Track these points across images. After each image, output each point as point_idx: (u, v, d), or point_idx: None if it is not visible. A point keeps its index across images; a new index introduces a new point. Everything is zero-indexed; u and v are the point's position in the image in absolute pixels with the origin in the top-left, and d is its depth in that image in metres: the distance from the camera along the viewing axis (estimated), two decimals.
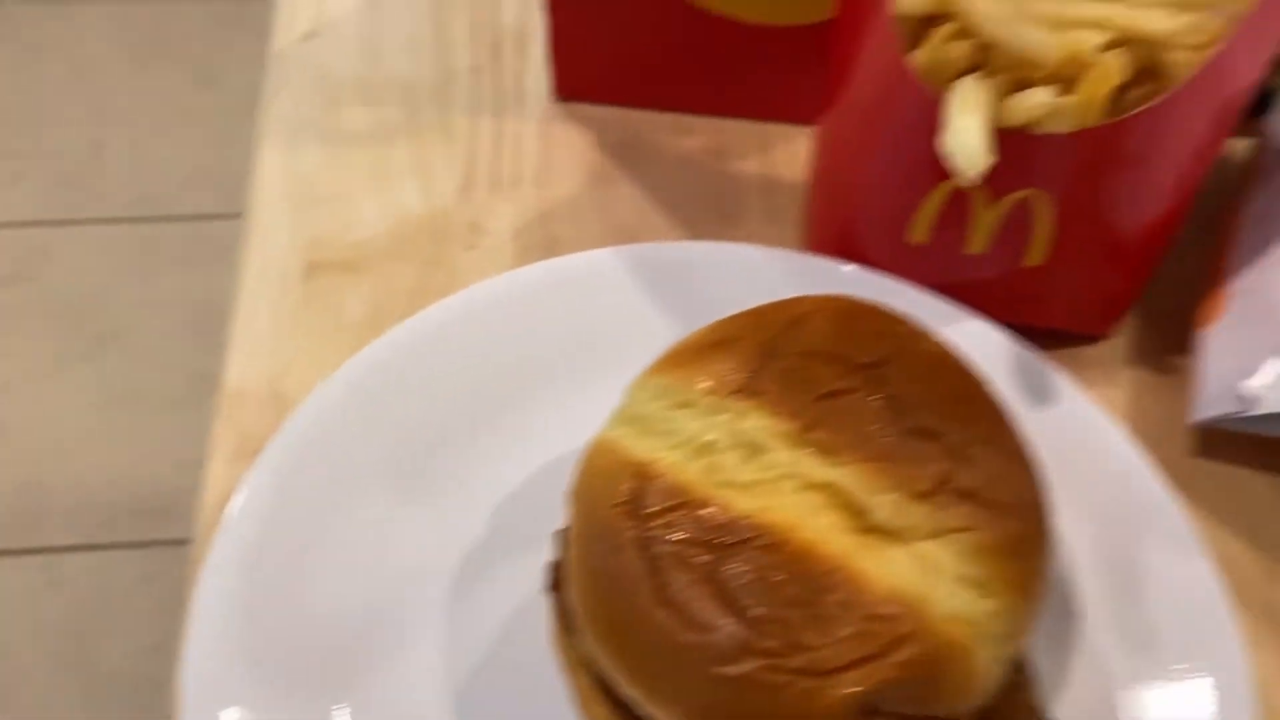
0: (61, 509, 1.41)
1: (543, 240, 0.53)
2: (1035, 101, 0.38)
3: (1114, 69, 0.38)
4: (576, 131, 0.57)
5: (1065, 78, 0.40)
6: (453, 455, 0.45)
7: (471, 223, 0.53)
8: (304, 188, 0.54)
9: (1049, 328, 0.49)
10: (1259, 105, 0.55)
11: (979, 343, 0.46)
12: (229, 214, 1.27)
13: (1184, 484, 0.46)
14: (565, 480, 0.39)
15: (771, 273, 0.48)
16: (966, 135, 0.36)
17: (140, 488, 1.47)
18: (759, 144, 0.57)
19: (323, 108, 0.57)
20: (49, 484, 1.39)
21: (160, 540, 1.43)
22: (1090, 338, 0.50)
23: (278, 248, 0.52)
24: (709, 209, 0.55)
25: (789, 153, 0.57)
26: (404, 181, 0.55)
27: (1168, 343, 0.50)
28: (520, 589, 0.42)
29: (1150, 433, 0.48)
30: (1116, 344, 0.50)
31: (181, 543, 1.42)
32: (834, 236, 0.50)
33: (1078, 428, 0.45)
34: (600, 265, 0.49)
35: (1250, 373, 0.44)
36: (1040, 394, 0.45)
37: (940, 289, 0.48)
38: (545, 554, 0.41)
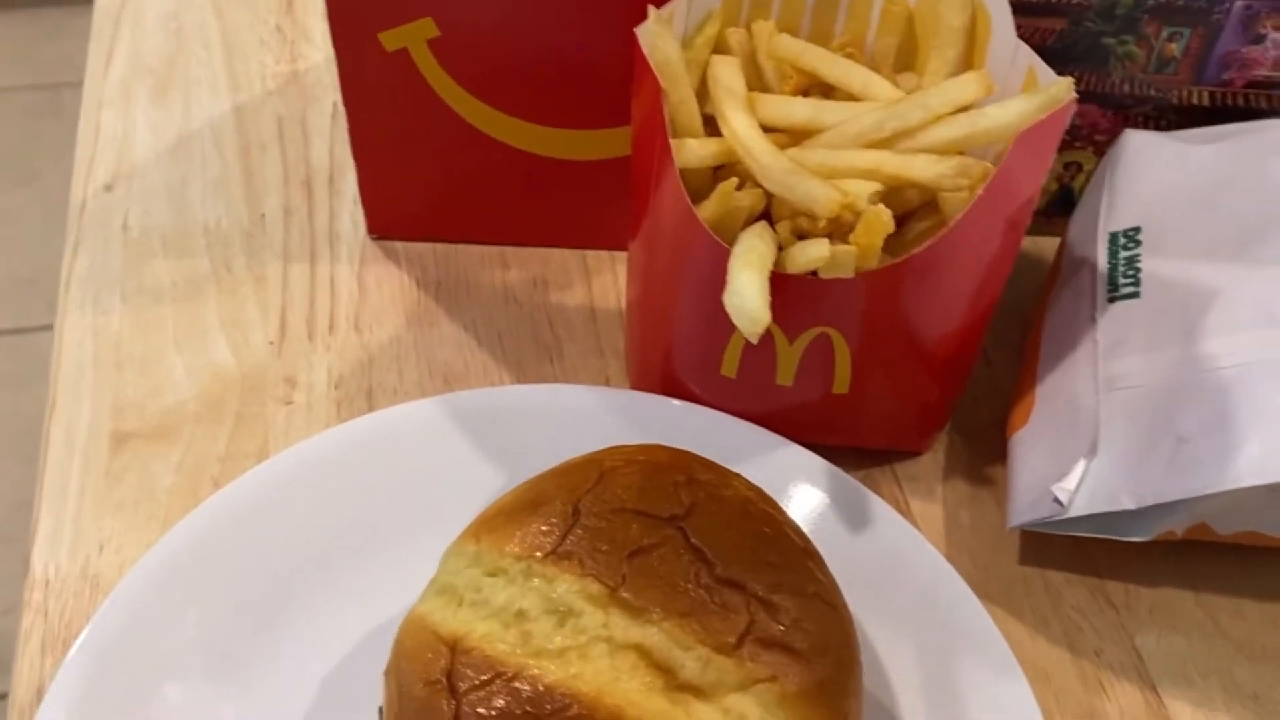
0: None
1: (362, 389, 0.56)
2: (814, 254, 0.43)
3: (884, 218, 0.43)
4: (394, 271, 0.60)
5: (843, 225, 0.45)
6: (272, 632, 0.47)
7: (287, 377, 0.56)
8: (109, 351, 0.56)
9: (867, 447, 0.54)
10: (1060, 203, 0.61)
11: (797, 470, 0.51)
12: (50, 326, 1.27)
13: (1004, 593, 0.51)
14: (386, 653, 0.42)
15: (597, 412, 0.52)
16: (747, 293, 0.41)
17: None
18: (580, 273, 0.61)
19: (127, 262, 0.60)
20: None
21: None
22: (910, 453, 0.55)
23: (83, 420, 0.54)
24: (532, 344, 0.58)
25: (610, 280, 0.61)
26: (215, 336, 0.57)
27: (984, 453, 0.55)
28: None
29: (968, 543, 0.52)
30: (936, 457, 0.56)
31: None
32: (655, 369, 0.55)
33: (893, 550, 0.49)
34: (421, 418, 0.52)
35: (1061, 475, 0.49)
36: (856, 517, 0.50)
37: (759, 419, 0.52)
38: None
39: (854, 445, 0.53)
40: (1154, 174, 0.55)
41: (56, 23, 2.01)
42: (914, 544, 0.49)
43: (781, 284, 0.44)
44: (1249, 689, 0.49)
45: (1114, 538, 0.49)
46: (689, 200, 0.45)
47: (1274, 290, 0.49)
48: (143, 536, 0.50)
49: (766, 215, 0.48)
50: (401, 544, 0.49)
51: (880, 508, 0.50)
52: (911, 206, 0.49)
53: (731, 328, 0.48)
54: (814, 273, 0.45)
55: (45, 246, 1.13)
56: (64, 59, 1.93)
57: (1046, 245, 0.61)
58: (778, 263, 0.45)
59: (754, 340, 0.41)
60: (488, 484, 0.51)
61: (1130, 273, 0.52)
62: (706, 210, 0.46)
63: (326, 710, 0.46)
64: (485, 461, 0.52)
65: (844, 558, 0.46)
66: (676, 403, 0.53)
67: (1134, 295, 0.52)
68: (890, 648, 0.47)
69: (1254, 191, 0.52)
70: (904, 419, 0.53)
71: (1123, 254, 0.53)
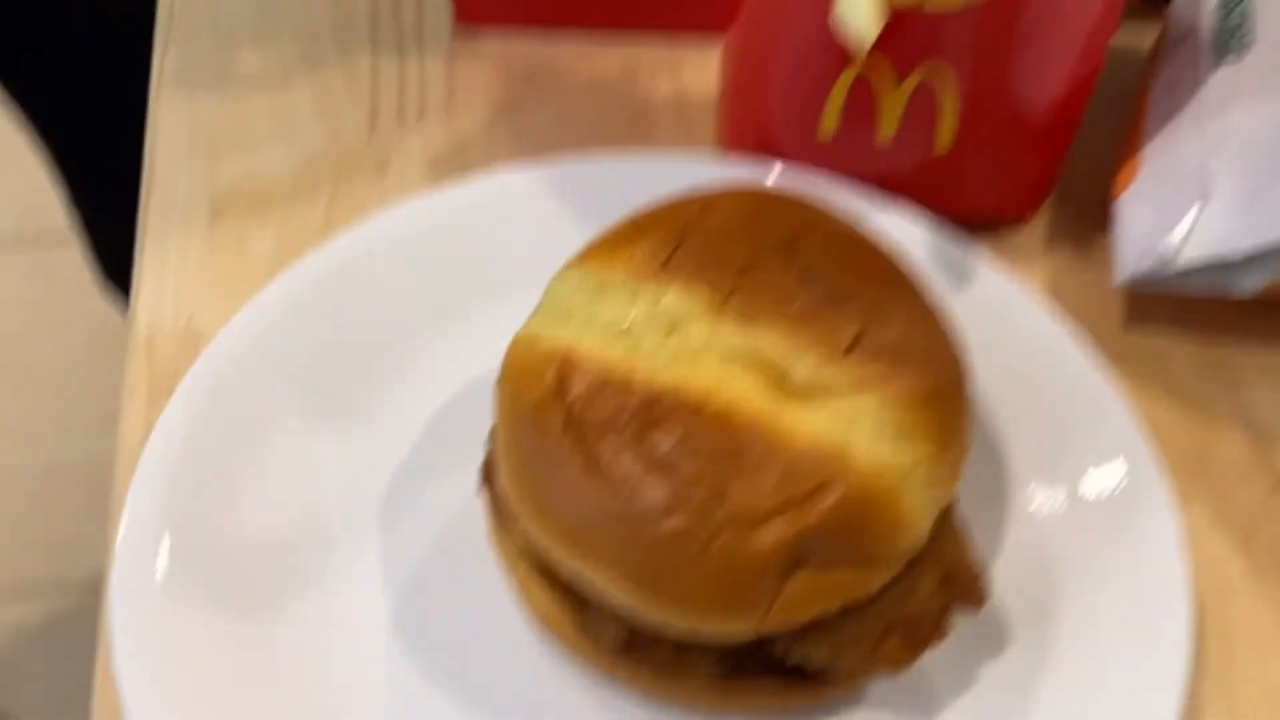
0: None
1: (455, 170, 0.56)
2: None
3: None
4: (483, 60, 0.60)
5: None
6: (376, 377, 0.48)
7: (379, 159, 0.56)
8: (204, 134, 0.57)
9: (967, 215, 0.53)
10: None
11: (898, 229, 0.50)
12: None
13: (1109, 357, 0.50)
14: (490, 390, 0.42)
15: (692, 177, 0.52)
16: (856, 4, 0.40)
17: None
18: (669, 65, 0.61)
19: (217, 55, 0.60)
20: None
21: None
22: (1009, 222, 0.54)
23: (179, 192, 0.54)
24: (622, 129, 0.58)
25: (700, 72, 0.60)
26: (307, 122, 0.58)
27: (1086, 224, 0.55)
28: (453, 497, 0.45)
29: (1072, 310, 0.52)
30: (1034, 229, 0.55)
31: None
32: (749, 142, 0.54)
33: (997, 304, 0.48)
34: (515, 184, 0.52)
35: (1170, 227, 0.48)
36: (959, 275, 0.49)
37: (860, 183, 0.52)
38: (474, 463, 0.44)
39: (951, 211, 0.52)
40: None
41: None
42: (1019, 296, 0.48)
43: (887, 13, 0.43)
44: None
45: (1221, 293, 0.48)
46: None
47: None
48: (243, 300, 0.50)
49: None
50: (496, 302, 0.49)
51: (983, 264, 0.49)
52: None
53: (834, 75, 0.48)
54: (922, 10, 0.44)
55: None
56: None
57: (1138, 38, 0.60)
58: None
59: (861, 51, 0.40)
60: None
61: (1240, 28, 0.51)
62: None
63: (433, 449, 0.46)
64: (581, 227, 0.51)
65: (953, 314, 0.45)
66: (780, 167, 0.52)
67: (1244, 49, 0.50)
68: (994, 395, 0.47)
69: None
70: (1007, 181, 0.52)
71: (1235, 9, 0.52)
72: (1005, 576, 0.43)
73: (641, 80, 0.60)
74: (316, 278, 0.49)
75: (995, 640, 0.42)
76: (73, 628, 1.37)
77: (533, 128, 0.58)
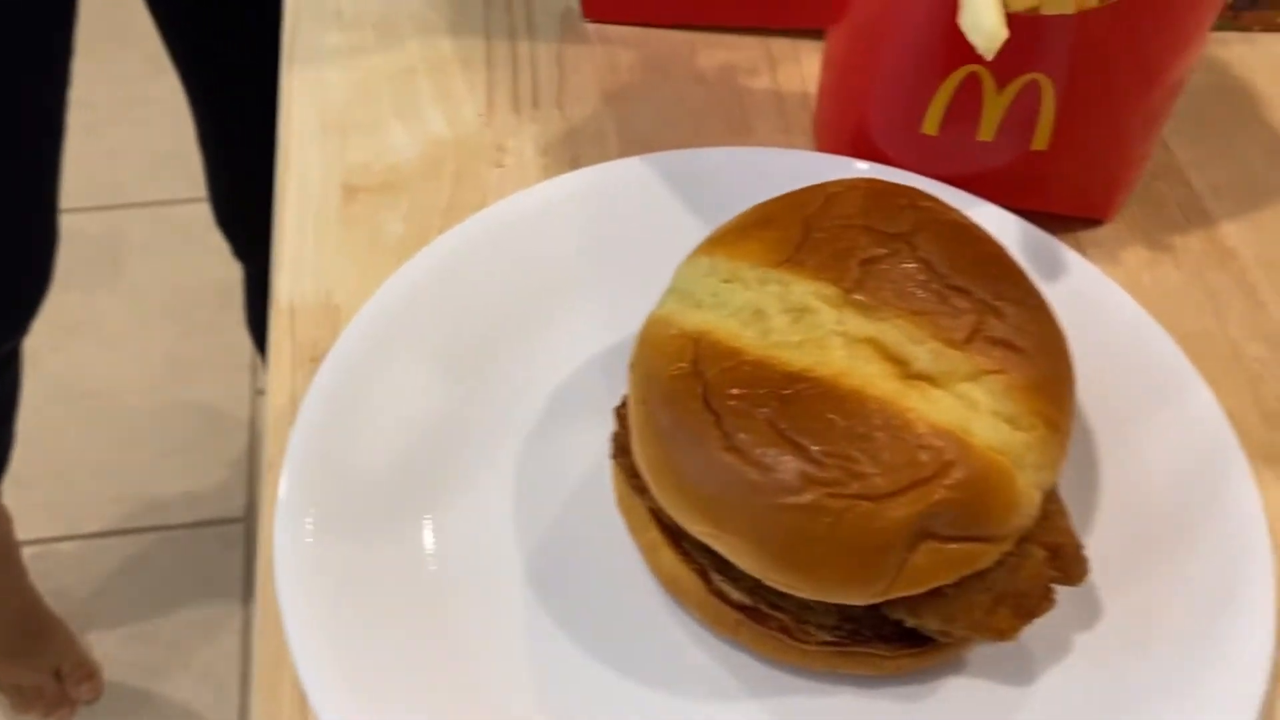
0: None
1: (567, 157, 0.57)
2: None
3: None
4: (591, 53, 0.61)
5: None
6: (506, 350, 0.49)
7: (497, 144, 0.58)
8: (332, 118, 0.58)
9: (1052, 213, 0.54)
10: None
11: (992, 225, 0.51)
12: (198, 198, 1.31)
13: (1185, 348, 0.51)
14: (611, 367, 0.44)
15: (792, 171, 0.53)
16: (983, 11, 0.41)
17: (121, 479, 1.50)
18: (768, 63, 0.62)
19: (343, 42, 0.61)
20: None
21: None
22: (1092, 221, 0.55)
23: (313, 173, 0.56)
24: (724, 123, 0.59)
25: (798, 70, 0.61)
26: (428, 109, 0.59)
27: (1164, 223, 0.56)
28: (579, 464, 0.46)
29: (1151, 303, 0.52)
30: (1117, 226, 0.56)
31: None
32: (846, 139, 0.55)
33: (1090, 295, 0.50)
34: (630, 172, 0.53)
35: None
36: (1053, 268, 0.50)
37: (949, 181, 0.53)
38: (601, 431, 0.46)
39: (1041, 209, 0.53)
40: None
41: None
42: (1111, 290, 0.50)
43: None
44: None
45: None
46: None
47: None
48: (378, 275, 0.51)
49: None
50: (613, 285, 0.51)
51: (1075, 259, 0.50)
52: None
53: (943, 74, 0.49)
54: (1031, 14, 0.45)
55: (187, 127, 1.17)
56: None
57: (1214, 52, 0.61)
58: None
59: (988, 55, 0.41)
60: (694, 234, 0.51)
61: None
62: None
63: (561, 417, 0.48)
64: (691, 215, 0.53)
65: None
66: (866, 165, 0.53)
67: None
68: (1088, 383, 0.48)
69: None
70: (1095, 181, 0.53)
71: None
72: (1097, 553, 0.45)
73: (741, 77, 0.61)
74: (452, 256, 0.50)
75: (1089, 613, 0.44)
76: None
77: (639, 119, 0.59)
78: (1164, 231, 0.56)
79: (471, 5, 0.63)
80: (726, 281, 0.42)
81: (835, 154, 0.55)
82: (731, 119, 0.60)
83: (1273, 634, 0.42)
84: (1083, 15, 0.45)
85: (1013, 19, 0.45)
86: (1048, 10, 0.45)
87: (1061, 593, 0.42)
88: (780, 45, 0.62)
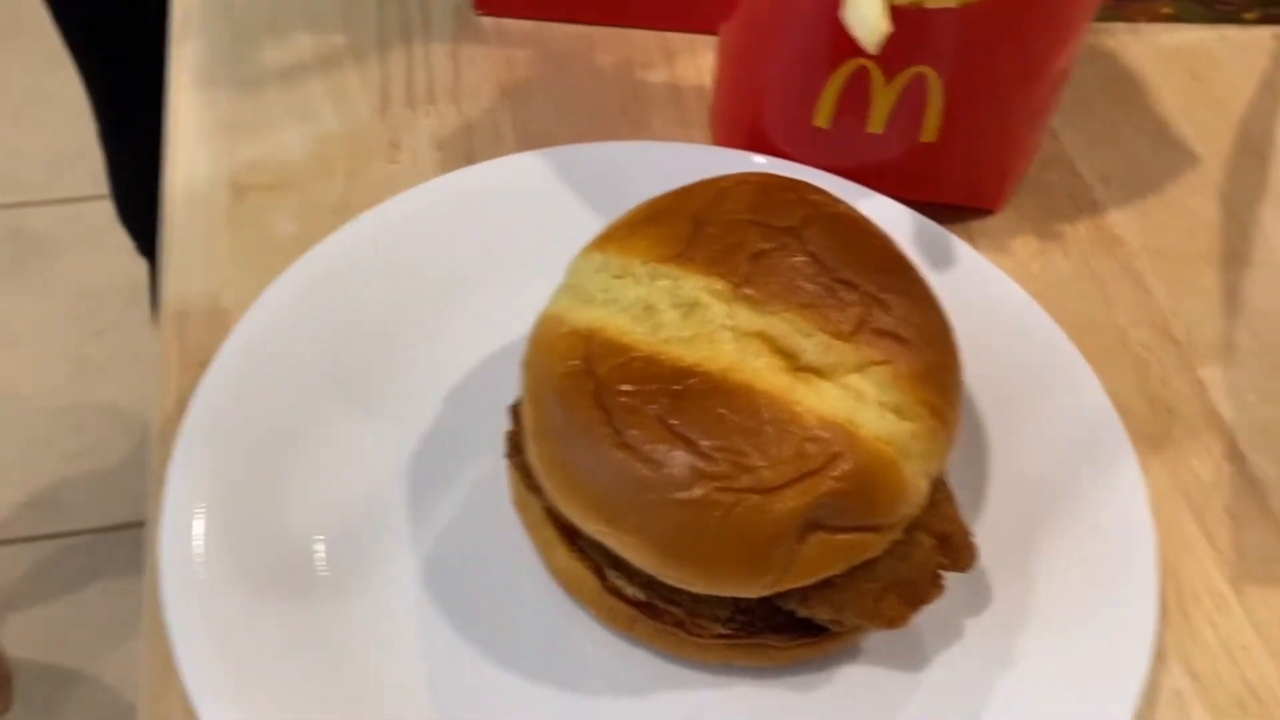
0: None
1: (462, 153, 0.56)
2: None
3: None
4: (486, 49, 0.61)
5: None
6: (400, 350, 0.48)
7: (392, 140, 0.57)
8: (222, 121, 0.57)
9: (943, 203, 0.55)
10: None
11: (884, 216, 0.51)
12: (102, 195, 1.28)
13: (1072, 332, 0.52)
14: (507, 365, 0.43)
15: (688, 165, 0.53)
16: (865, 5, 0.41)
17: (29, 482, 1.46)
18: (664, 56, 0.61)
19: (233, 45, 0.59)
20: None
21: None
22: (983, 211, 0.56)
23: (201, 173, 0.54)
24: (621, 117, 0.59)
25: (694, 63, 0.61)
26: (321, 106, 0.58)
27: (1053, 213, 0.56)
28: (474, 467, 0.46)
29: (1038, 291, 0.53)
30: (1006, 216, 0.56)
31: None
32: (741, 132, 0.55)
33: (978, 285, 0.50)
34: (524, 167, 0.53)
35: None
36: (943, 258, 0.51)
37: (842, 173, 0.53)
38: (493, 434, 0.45)
39: (932, 200, 0.54)
40: None
41: None
42: (997, 278, 0.50)
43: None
44: None
45: None
46: None
47: None
48: (268, 276, 0.50)
49: None
50: (507, 282, 0.50)
51: (963, 248, 0.51)
52: None
53: (831, 66, 0.49)
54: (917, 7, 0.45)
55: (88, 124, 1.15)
56: None
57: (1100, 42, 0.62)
58: None
59: (872, 49, 0.41)
60: (589, 228, 0.51)
61: None
62: None
63: (455, 419, 0.47)
64: (586, 209, 0.52)
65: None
66: (762, 158, 0.53)
67: None
68: (975, 369, 0.48)
69: None
70: (984, 172, 0.54)
71: None
72: (986, 537, 0.45)
73: (637, 71, 0.61)
74: (338, 258, 0.49)
75: (979, 596, 0.44)
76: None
77: (535, 113, 0.58)
78: (1053, 220, 0.56)
79: (365, 3, 0.62)
80: (618, 277, 0.42)
81: (731, 147, 0.55)
82: (629, 113, 0.59)
83: (1156, 610, 0.43)
84: (966, 9, 0.45)
85: (897, 13, 0.45)
86: (931, 4, 0.45)
87: (951, 577, 0.42)
88: (677, 39, 0.62)
